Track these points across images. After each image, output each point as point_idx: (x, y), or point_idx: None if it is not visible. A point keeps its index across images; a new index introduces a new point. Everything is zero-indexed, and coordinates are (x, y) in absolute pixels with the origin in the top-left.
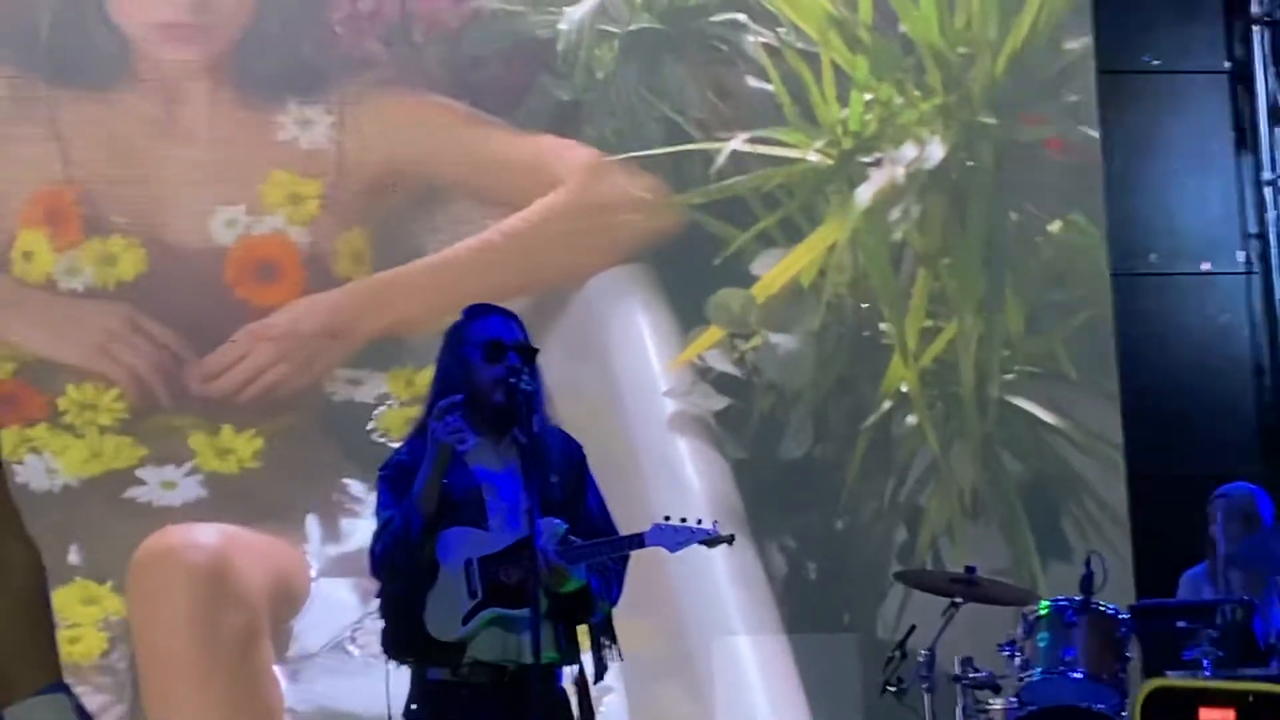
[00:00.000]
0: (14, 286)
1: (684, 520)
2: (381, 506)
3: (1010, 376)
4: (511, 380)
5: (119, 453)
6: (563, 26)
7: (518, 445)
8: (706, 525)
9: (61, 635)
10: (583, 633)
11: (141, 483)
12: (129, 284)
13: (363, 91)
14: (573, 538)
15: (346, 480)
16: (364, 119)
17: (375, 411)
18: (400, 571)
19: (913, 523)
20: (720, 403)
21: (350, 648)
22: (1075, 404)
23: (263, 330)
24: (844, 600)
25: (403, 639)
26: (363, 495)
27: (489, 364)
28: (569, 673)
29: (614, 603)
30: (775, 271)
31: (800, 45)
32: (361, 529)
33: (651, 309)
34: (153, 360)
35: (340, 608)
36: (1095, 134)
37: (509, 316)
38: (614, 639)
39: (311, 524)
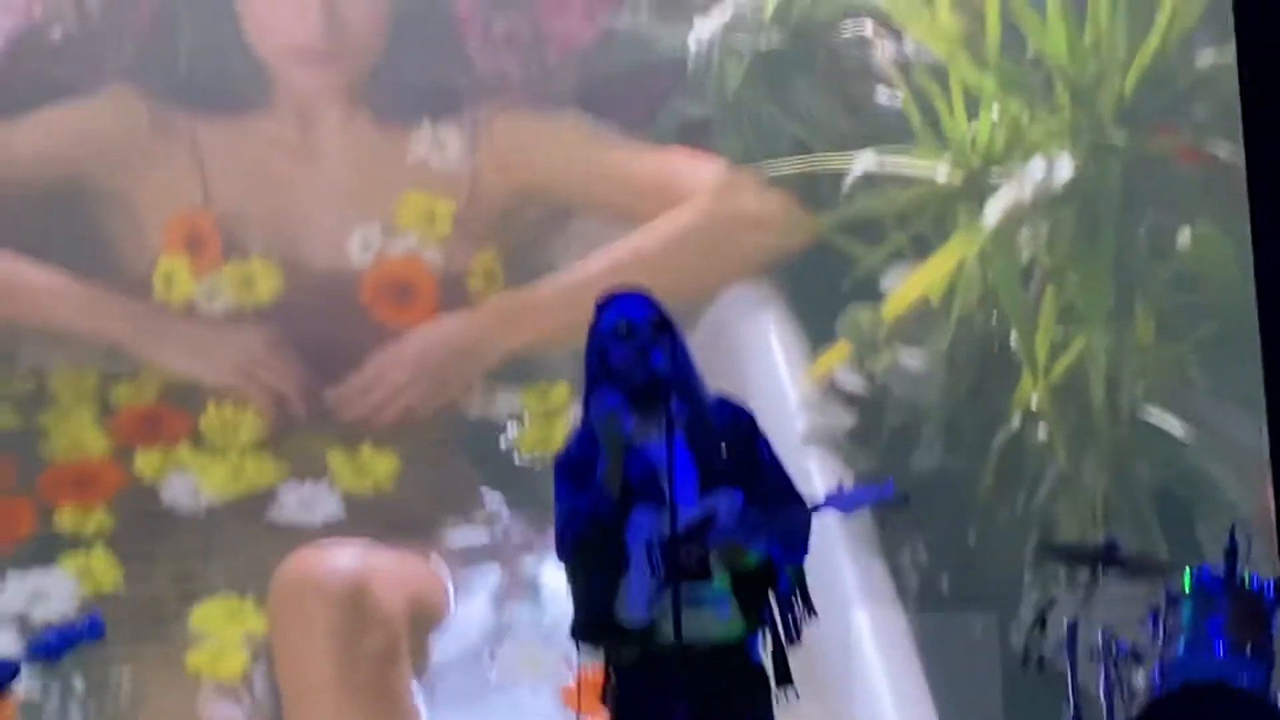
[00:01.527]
0: (156, 311)
1: (857, 485)
2: (559, 499)
3: (1141, 386)
4: (642, 355)
5: (259, 472)
6: (692, 45)
7: (678, 420)
8: (879, 487)
9: (205, 652)
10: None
11: (282, 502)
12: (267, 306)
13: (496, 112)
14: (750, 510)
15: (483, 495)
16: (497, 139)
17: (510, 427)
18: (591, 557)
19: (1045, 533)
20: (850, 419)
21: (488, 665)
22: (1210, 412)
23: (398, 352)
24: (978, 611)
25: (593, 625)
26: (499, 510)
27: (620, 344)
28: (764, 642)
29: (800, 562)
30: (904, 289)
31: (928, 60)
32: (496, 544)
33: (781, 325)
34: (291, 380)
35: (479, 625)
36: (1231, 144)
37: (637, 296)
38: (807, 599)
39: (448, 541)
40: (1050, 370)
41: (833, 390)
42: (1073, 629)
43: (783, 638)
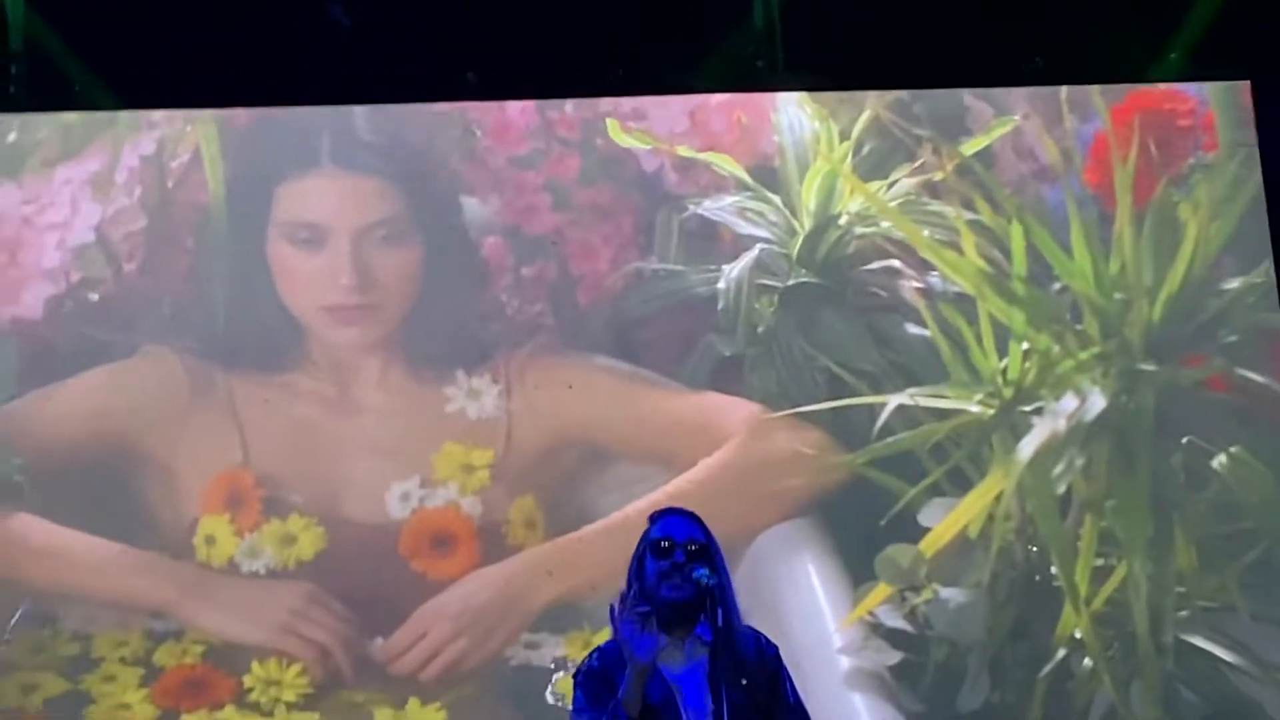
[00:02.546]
0: (198, 572)
1: None
2: (576, 711)
3: (1185, 614)
4: (675, 575)
5: None
6: (721, 285)
7: (703, 644)
8: None
9: None
10: None
11: None
12: (308, 563)
13: (529, 358)
14: None
15: None
16: (530, 385)
17: (554, 675)
18: None
19: None
20: (894, 657)
21: None
22: (1254, 637)
23: (440, 608)
24: None
25: None
26: None
27: (656, 559)
28: None
29: None
30: (943, 526)
31: (955, 292)
32: None
33: (821, 565)
34: (335, 635)
35: None
36: (1255, 376)
37: (687, 516)
38: None
39: None
40: (1092, 600)
41: (875, 628)
42: None
43: None
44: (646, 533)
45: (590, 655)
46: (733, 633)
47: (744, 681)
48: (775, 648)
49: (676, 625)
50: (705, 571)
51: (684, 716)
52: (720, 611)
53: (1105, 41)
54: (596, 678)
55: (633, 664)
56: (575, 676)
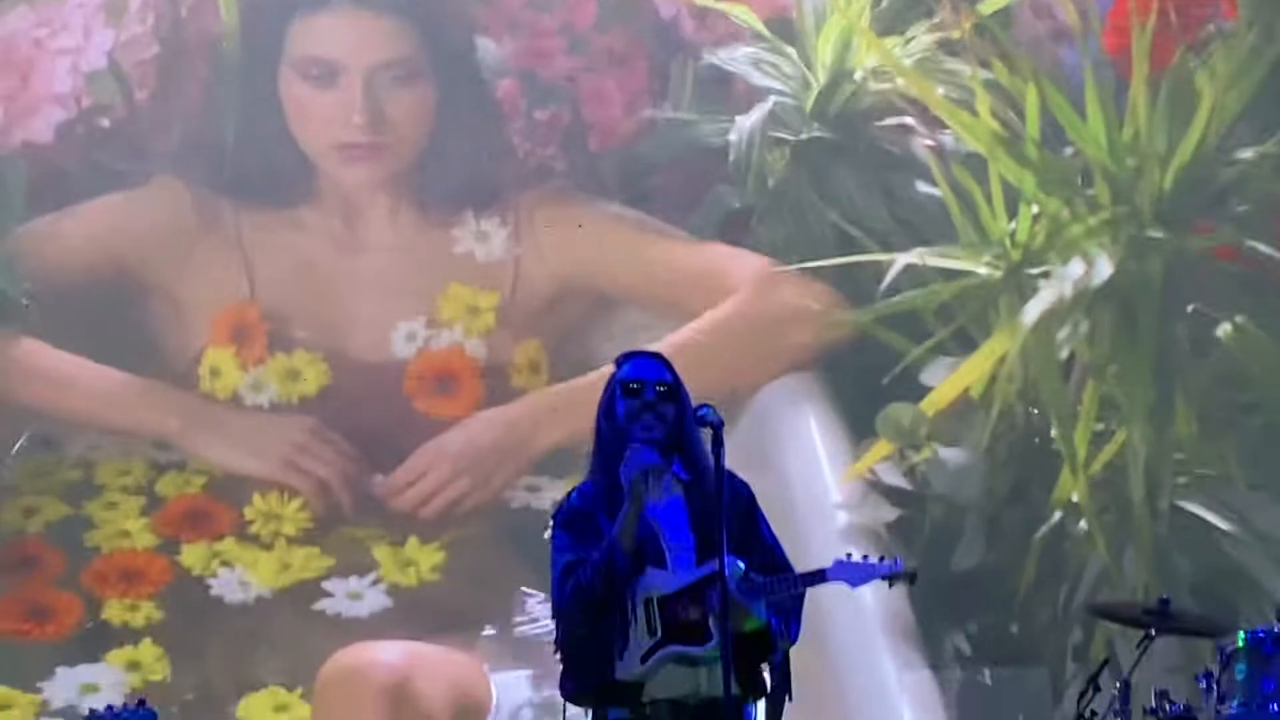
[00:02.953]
0: (202, 404)
1: (865, 557)
2: (559, 550)
3: (1182, 481)
4: (645, 413)
5: (307, 563)
6: (733, 136)
7: (680, 482)
8: (889, 562)
9: None
10: None
11: (329, 594)
12: (312, 398)
13: (538, 202)
14: (753, 575)
15: (525, 589)
16: (540, 229)
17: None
18: (591, 612)
19: (1087, 625)
20: (892, 514)
21: None
22: (1251, 507)
23: (441, 447)
24: (1019, 704)
25: (584, 680)
26: (542, 604)
27: (626, 400)
28: (757, 709)
29: (793, 641)
30: (946, 385)
31: (968, 151)
32: (539, 639)
33: (822, 419)
34: (337, 469)
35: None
36: (1263, 247)
37: (654, 357)
38: (789, 682)
39: (492, 634)
40: (1090, 464)
41: (874, 485)
42: (1125, 688)
43: (769, 712)
44: (614, 375)
45: (569, 495)
46: (705, 472)
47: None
48: (749, 487)
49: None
50: (710, 410)
51: (666, 549)
52: (692, 451)
53: None
54: (579, 516)
55: (635, 499)
56: (555, 516)
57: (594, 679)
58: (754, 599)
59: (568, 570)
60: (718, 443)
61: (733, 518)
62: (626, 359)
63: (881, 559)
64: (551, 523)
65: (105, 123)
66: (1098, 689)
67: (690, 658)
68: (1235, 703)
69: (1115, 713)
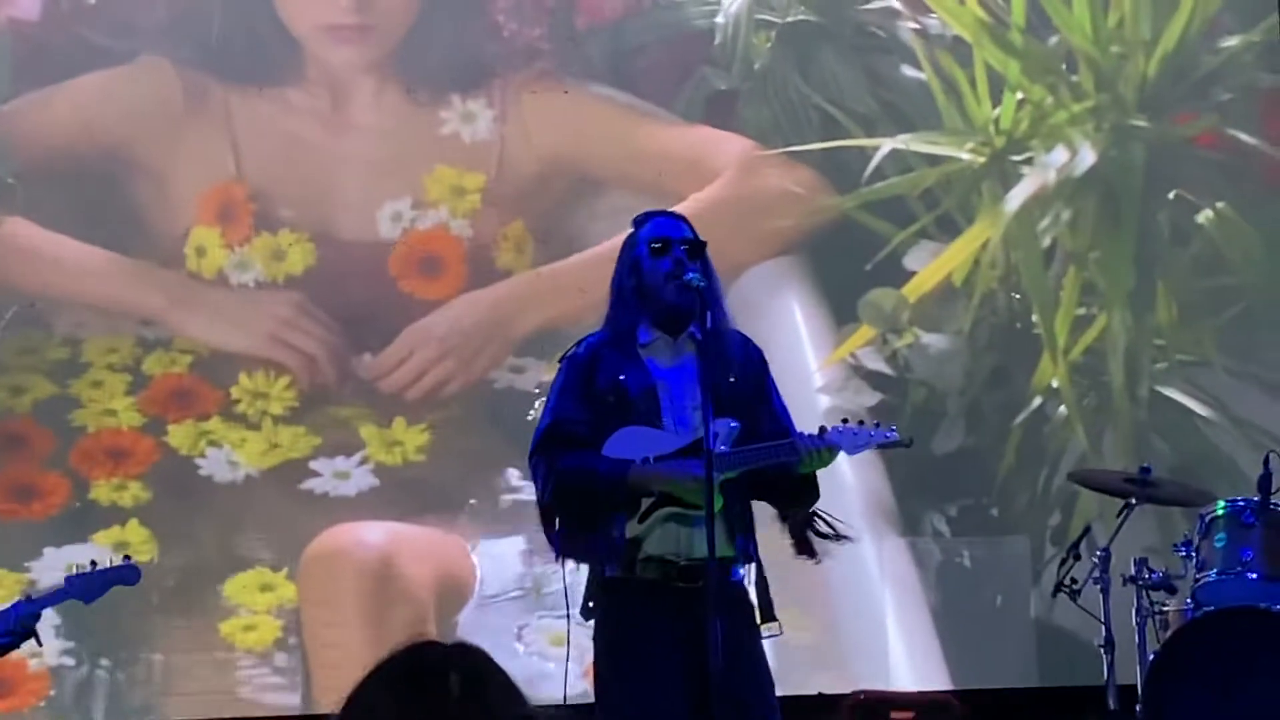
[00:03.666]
0: (187, 282)
1: (862, 423)
2: (552, 394)
3: (1161, 366)
4: (678, 274)
5: (295, 443)
6: (720, 19)
7: (694, 342)
8: (885, 430)
9: (237, 622)
10: None
11: (316, 474)
12: (298, 278)
13: (524, 83)
14: (745, 438)
15: (510, 469)
16: (526, 111)
17: (537, 400)
18: (580, 498)
19: (1066, 508)
20: (873, 398)
21: (516, 645)
22: (1228, 392)
23: (427, 328)
24: (997, 584)
25: (579, 540)
26: (525, 484)
27: (656, 259)
28: (748, 572)
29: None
30: (928, 271)
31: (953, 36)
32: (525, 518)
33: (806, 303)
34: (324, 345)
35: (506, 602)
36: (1245, 136)
37: (676, 217)
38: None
39: (477, 513)
40: (1071, 350)
41: (856, 369)
42: (1105, 557)
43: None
44: (635, 235)
45: (579, 343)
46: (722, 333)
47: (731, 379)
48: (760, 351)
49: (670, 323)
50: (696, 275)
51: (665, 411)
52: (709, 314)
53: None
54: (580, 364)
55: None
56: (561, 361)
57: (587, 538)
58: (738, 466)
59: (548, 440)
60: (705, 305)
61: (745, 379)
62: (648, 217)
63: (878, 424)
64: (535, 406)
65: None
66: (1078, 558)
67: (684, 518)
68: (1214, 571)
69: (1095, 580)
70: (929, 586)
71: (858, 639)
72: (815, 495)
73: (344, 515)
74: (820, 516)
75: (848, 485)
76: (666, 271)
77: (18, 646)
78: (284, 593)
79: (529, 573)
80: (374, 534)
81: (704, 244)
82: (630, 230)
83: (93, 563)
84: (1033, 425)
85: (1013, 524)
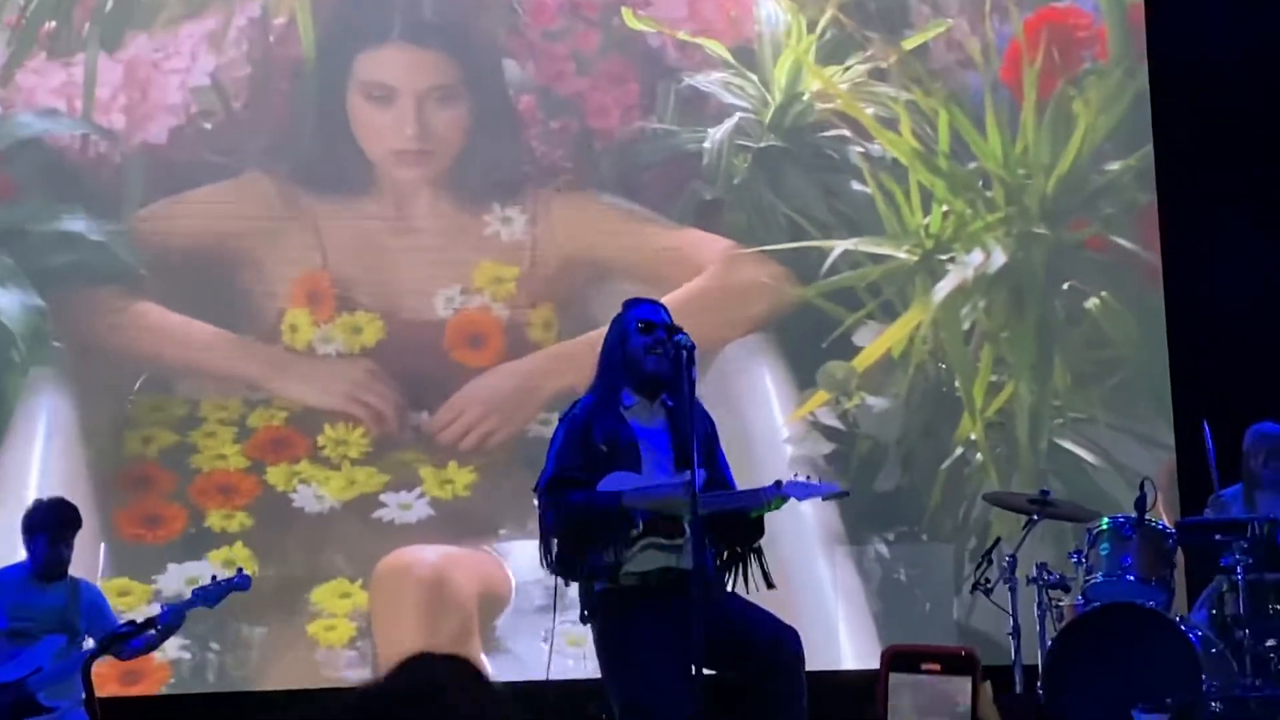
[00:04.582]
0: (283, 353)
1: (809, 478)
2: (554, 447)
3: (1059, 423)
4: (658, 348)
5: (368, 480)
6: (707, 144)
7: (666, 408)
8: (828, 484)
9: (321, 624)
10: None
11: (385, 505)
12: (370, 349)
13: (551, 194)
14: (713, 485)
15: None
16: (553, 216)
17: None
18: (585, 525)
19: (981, 534)
20: (828, 448)
21: (543, 645)
22: (1111, 443)
23: (474, 391)
24: (927, 594)
25: (572, 564)
26: None
27: (641, 336)
28: (719, 576)
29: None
30: (872, 347)
31: (892, 159)
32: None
33: (774, 371)
34: (390, 403)
35: (535, 611)
36: (1130, 234)
37: (658, 304)
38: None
39: (512, 540)
40: (986, 410)
41: (814, 425)
42: (1013, 562)
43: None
44: (625, 315)
45: (574, 405)
46: (690, 400)
47: (695, 442)
48: (712, 418)
49: (648, 390)
50: (685, 336)
51: (645, 461)
52: (682, 381)
53: None
54: (578, 423)
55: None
56: (561, 421)
57: (580, 563)
58: (713, 507)
59: (556, 483)
60: (691, 362)
61: (700, 441)
62: (636, 303)
63: (820, 480)
64: (564, 418)
65: (208, 126)
66: (990, 563)
67: (665, 548)
68: (1100, 574)
69: (1004, 580)
70: (872, 595)
71: (815, 636)
72: (761, 533)
73: (406, 539)
74: (761, 559)
75: (807, 516)
76: (648, 346)
77: (165, 640)
78: (358, 599)
79: (550, 587)
80: (430, 554)
81: (679, 328)
82: (620, 311)
83: (214, 576)
84: (955, 469)
85: (939, 546)
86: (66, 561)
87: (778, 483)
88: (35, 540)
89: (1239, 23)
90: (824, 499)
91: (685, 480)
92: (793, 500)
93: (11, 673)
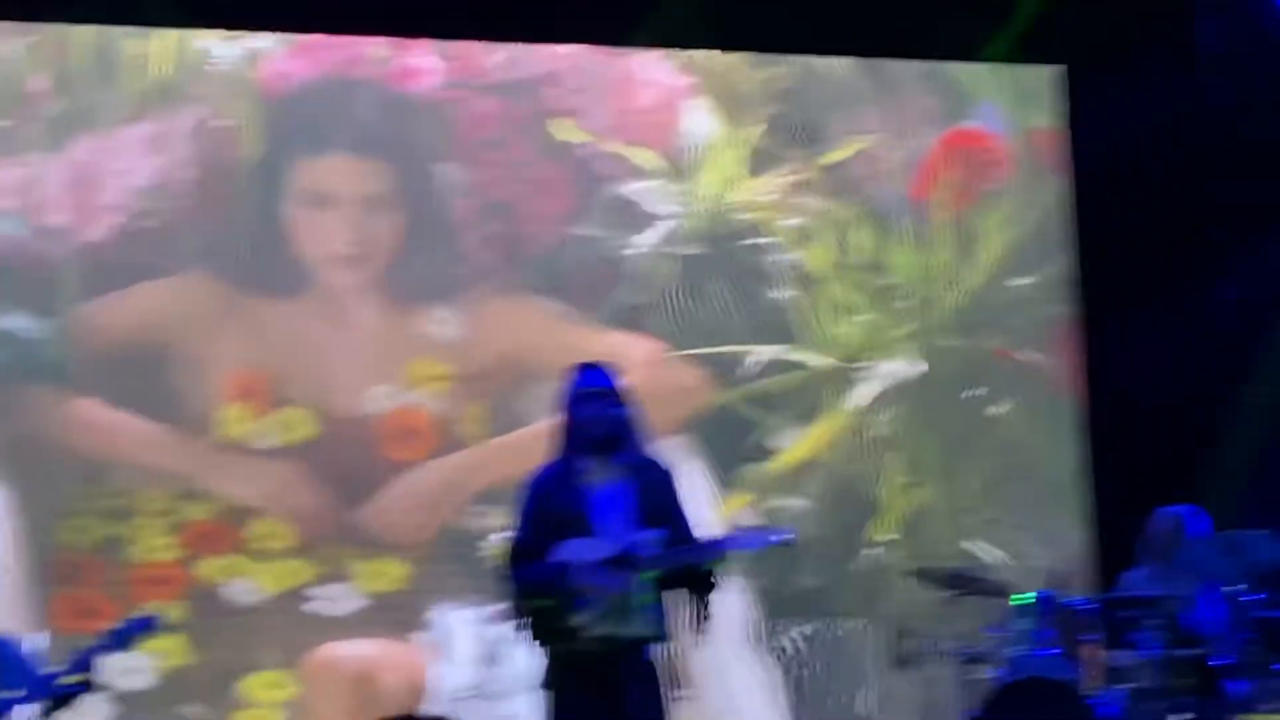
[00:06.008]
0: (217, 448)
1: (755, 528)
2: (520, 515)
3: (966, 523)
4: (601, 415)
5: (299, 573)
6: (630, 252)
7: (618, 468)
8: (775, 535)
9: (250, 715)
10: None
11: (314, 598)
12: (304, 444)
13: (484, 296)
14: (670, 542)
15: (471, 595)
16: (484, 317)
17: (491, 537)
18: (545, 596)
19: (892, 632)
20: None
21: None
22: (1016, 542)
23: (406, 485)
24: (843, 686)
25: (543, 630)
26: (481, 599)
27: (587, 404)
28: (659, 649)
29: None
30: (788, 452)
31: (810, 269)
32: (480, 624)
33: (695, 472)
34: (323, 500)
35: (461, 686)
36: (1033, 346)
37: (604, 369)
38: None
39: (442, 628)
40: (898, 512)
41: (735, 525)
42: (933, 636)
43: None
44: (572, 381)
45: (538, 470)
46: (641, 458)
47: (654, 497)
48: (669, 470)
49: (598, 453)
50: (615, 414)
51: (597, 525)
52: (636, 441)
53: (945, 22)
54: (538, 491)
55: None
56: (527, 482)
57: (547, 630)
58: (662, 566)
59: (520, 551)
60: (624, 437)
61: (656, 492)
62: (580, 369)
63: (767, 528)
64: (489, 540)
65: (150, 224)
66: (911, 636)
67: (614, 610)
68: (1015, 647)
69: (925, 654)
70: (788, 688)
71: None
72: (714, 585)
73: (337, 631)
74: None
75: (735, 614)
76: (593, 414)
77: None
78: (288, 691)
79: (481, 666)
80: (360, 648)
81: (621, 390)
82: (566, 378)
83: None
84: (869, 569)
85: (853, 641)
86: None
87: (726, 538)
88: None
89: (1159, 136)
90: (769, 548)
91: (625, 547)
92: (719, 590)
93: None
